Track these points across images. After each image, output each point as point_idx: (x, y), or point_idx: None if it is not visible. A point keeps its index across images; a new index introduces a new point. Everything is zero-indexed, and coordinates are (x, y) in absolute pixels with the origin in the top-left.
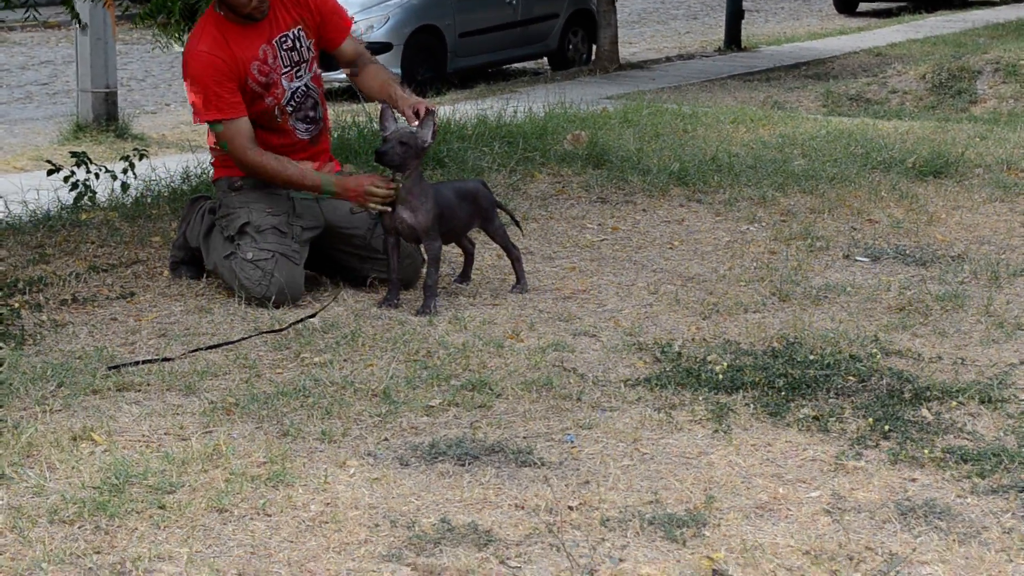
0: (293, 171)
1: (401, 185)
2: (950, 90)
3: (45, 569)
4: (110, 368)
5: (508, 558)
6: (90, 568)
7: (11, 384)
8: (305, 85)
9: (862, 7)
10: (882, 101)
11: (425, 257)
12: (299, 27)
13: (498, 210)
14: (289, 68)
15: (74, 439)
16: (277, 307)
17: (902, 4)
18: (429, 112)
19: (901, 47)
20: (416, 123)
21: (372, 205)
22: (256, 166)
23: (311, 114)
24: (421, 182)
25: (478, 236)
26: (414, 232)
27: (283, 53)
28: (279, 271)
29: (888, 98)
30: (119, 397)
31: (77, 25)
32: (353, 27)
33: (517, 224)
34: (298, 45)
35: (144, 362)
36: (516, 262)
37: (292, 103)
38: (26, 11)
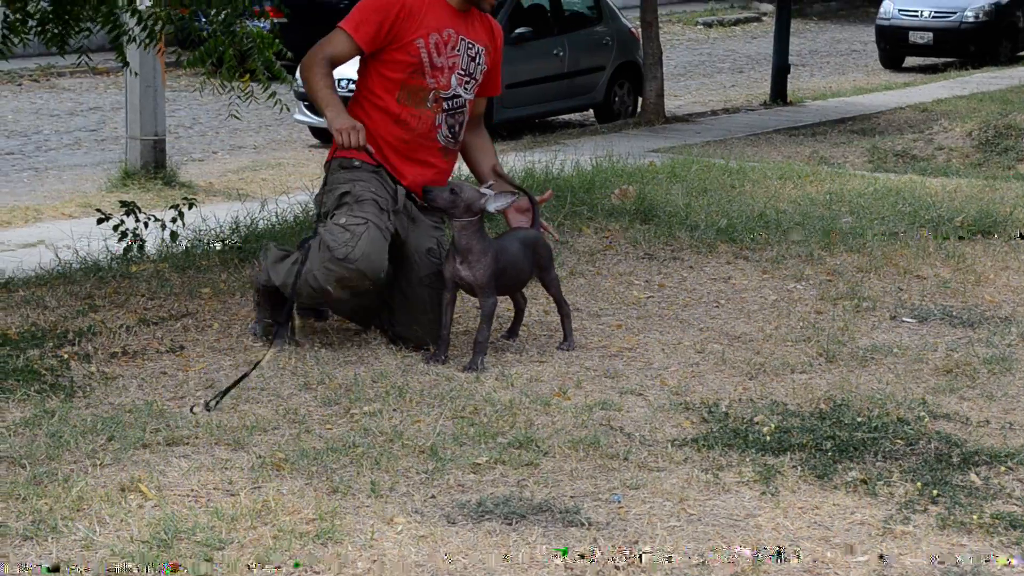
0: (322, 85)
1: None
2: (996, 147)
3: None
4: (208, 403)
5: None
6: None
7: (61, 437)
8: (465, 99)
9: (908, 62)
10: (928, 158)
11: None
12: (484, 48)
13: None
14: (464, 72)
15: (122, 490)
16: (350, 284)
17: (948, 60)
18: (510, 194)
19: (947, 103)
20: (502, 199)
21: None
22: (310, 65)
23: (456, 128)
24: (480, 238)
25: (526, 289)
26: (471, 288)
27: (465, 55)
28: (368, 237)
29: (934, 155)
30: (168, 451)
31: (128, 72)
32: None
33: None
34: (477, 60)
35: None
36: (566, 319)
37: (449, 103)
38: (79, 57)
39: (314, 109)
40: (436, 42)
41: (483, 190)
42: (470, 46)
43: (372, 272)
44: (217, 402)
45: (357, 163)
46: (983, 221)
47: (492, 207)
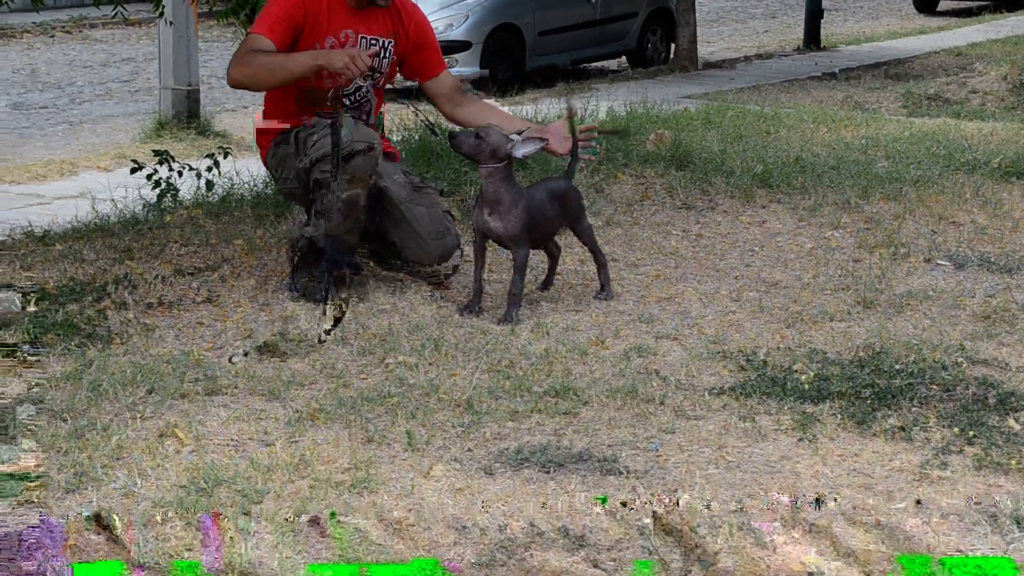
0: (279, 57)
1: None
2: None
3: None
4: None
5: (601, 562)
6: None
7: (101, 388)
8: (368, 89)
9: (942, 6)
10: (962, 101)
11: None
12: (390, 40)
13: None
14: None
15: (161, 436)
16: (358, 174)
17: (983, 3)
18: (538, 139)
19: (982, 47)
20: (529, 144)
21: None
22: (253, 61)
23: (364, 116)
24: (509, 187)
25: (559, 238)
26: (501, 239)
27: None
28: (345, 125)
29: (968, 98)
30: (207, 401)
31: (161, 21)
32: (434, 25)
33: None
34: (382, 54)
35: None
36: (602, 268)
37: (351, 98)
38: (114, 8)
39: None
40: (332, 45)
41: (511, 136)
42: (372, 42)
43: (367, 137)
44: (323, 339)
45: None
46: (1019, 164)
47: (519, 152)
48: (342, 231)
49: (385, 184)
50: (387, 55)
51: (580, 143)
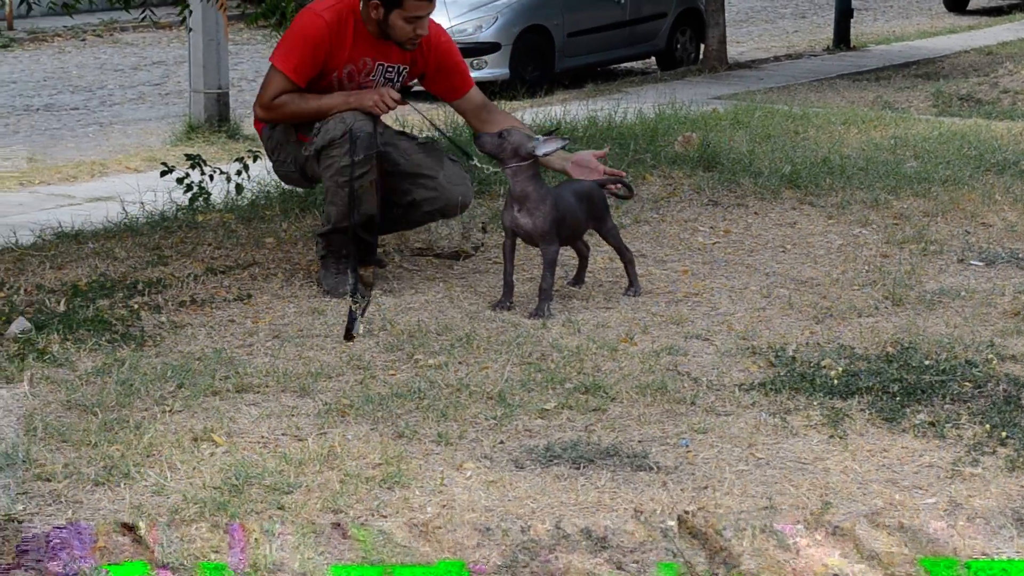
0: (313, 101)
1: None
2: None
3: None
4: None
5: (624, 564)
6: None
7: (132, 384)
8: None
9: (972, 5)
10: (993, 101)
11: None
12: (406, 67)
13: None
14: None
15: (195, 439)
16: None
17: (1013, 2)
18: (560, 139)
19: (1012, 46)
20: (551, 143)
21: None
22: (282, 104)
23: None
24: (537, 185)
25: (589, 237)
26: (531, 236)
27: (381, 77)
28: (357, 119)
29: (999, 98)
30: (237, 398)
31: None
32: (461, 26)
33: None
34: (396, 78)
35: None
36: (629, 265)
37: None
38: (143, 12)
39: None
40: (350, 71)
41: (534, 135)
42: (388, 69)
43: (340, 128)
44: (351, 334)
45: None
46: None
47: (541, 150)
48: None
49: (389, 149)
50: (400, 78)
51: (607, 175)
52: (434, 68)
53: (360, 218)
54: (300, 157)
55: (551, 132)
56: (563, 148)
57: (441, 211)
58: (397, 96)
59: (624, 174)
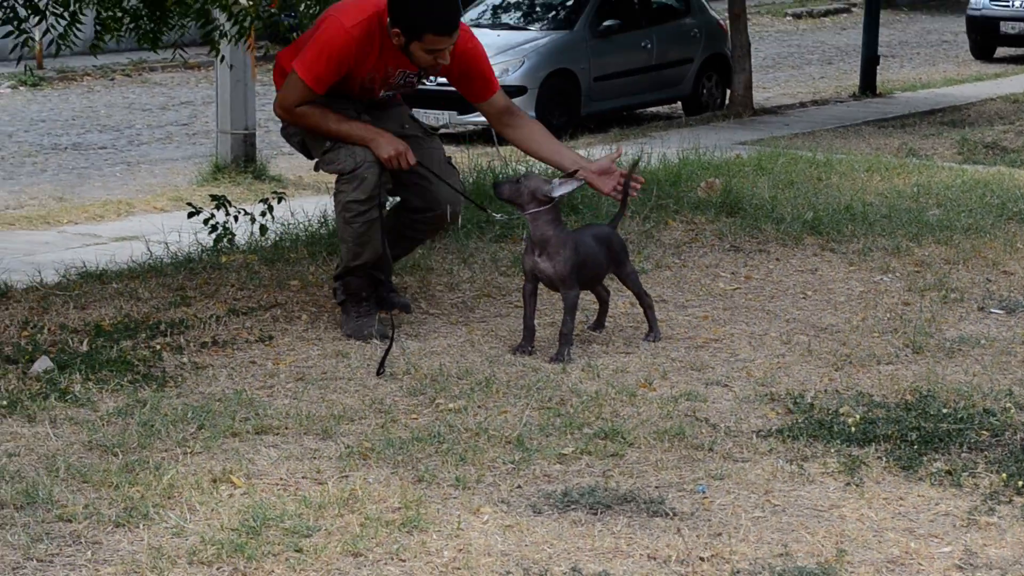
0: (333, 124)
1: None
2: None
3: None
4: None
5: None
6: None
7: (153, 425)
8: (399, 84)
9: (999, 53)
10: (1019, 149)
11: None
12: (425, 71)
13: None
14: (393, 89)
15: (214, 481)
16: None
17: None
18: (575, 180)
19: None
20: (568, 185)
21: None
22: (302, 115)
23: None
24: (558, 230)
25: (611, 282)
26: (551, 281)
27: (402, 80)
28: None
29: None
30: (257, 440)
31: (219, 65)
32: None
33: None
34: (414, 80)
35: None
36: (648, 310)
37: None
38: (173, 52)
39: None
40: (372, 77)
41: (551, 180)
42: (408, 75)
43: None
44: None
45: None
46: None
47: (558, 192)
48: (363, 260)
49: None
50: (418, 78)
51: (631, 188)
52: (457, 74)
53: (371, 256)
54: (309, 142)
55: (573, 173)
56: (580, 187)
57: (431, 207)
58: (413, 161)
59: (641, 179)
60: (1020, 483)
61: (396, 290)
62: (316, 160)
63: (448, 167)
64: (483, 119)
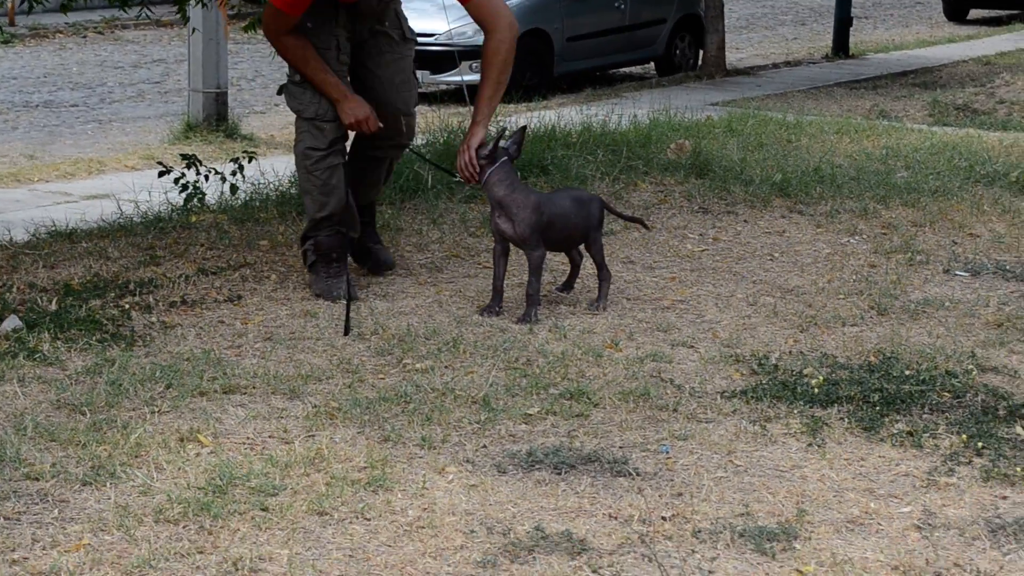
0: (309, 71)
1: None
2: None
3: (151, 567)
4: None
5: (600, 567)
6: (194, 567)
7: (121, 385)
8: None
9: (972, 15)
10: (989, 112)
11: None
12: None
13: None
14: None
15: (181, 440)
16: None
17: (1013, 12)
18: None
19: (1010, 56)
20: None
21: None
22: (285, 47)
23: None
24: (512, 190)
25: None
26: (514, 241)
27: None
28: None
29: (996, 108)
30: (225, 399)
31: (193, 26)
32: (460, 29)
33: (645, 226)
34: None
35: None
36: (604, 282)
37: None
38: (140, 10)
39: None
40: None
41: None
42: None
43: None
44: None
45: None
46: None
47: (484, 152)
48: (330, 211)
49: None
50: None
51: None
52: None
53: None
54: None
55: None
56: (524, 131)
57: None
58: (375, 128)
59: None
60: (980, 444)
61: (382, 241)
62: (282, 84)
63: (407, 82)
64: (456, 78)
